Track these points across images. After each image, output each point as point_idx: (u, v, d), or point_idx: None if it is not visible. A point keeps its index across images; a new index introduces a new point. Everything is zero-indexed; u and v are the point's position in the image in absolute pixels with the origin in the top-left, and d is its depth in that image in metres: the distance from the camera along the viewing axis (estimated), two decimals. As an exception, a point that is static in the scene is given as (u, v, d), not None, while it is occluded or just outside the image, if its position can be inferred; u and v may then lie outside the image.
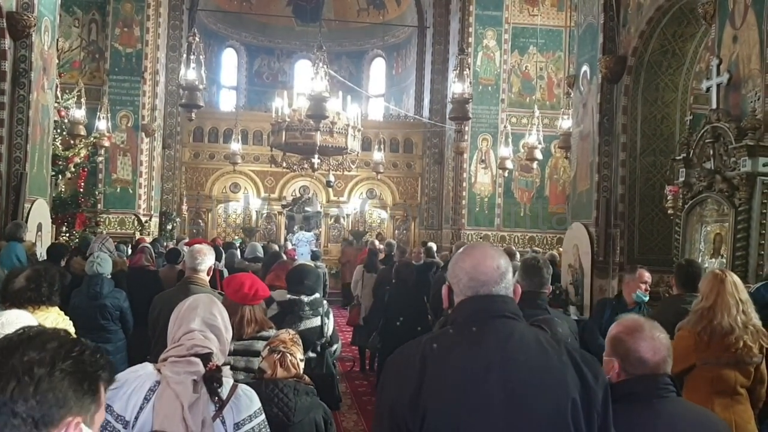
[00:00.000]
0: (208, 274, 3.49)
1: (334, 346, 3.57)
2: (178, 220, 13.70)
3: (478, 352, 1.33)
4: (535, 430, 1.28)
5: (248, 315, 2.70)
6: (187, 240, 8.59)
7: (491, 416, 1.27)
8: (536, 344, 1.36)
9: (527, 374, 1.31)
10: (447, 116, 11.29)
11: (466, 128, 11.91)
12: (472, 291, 1.40)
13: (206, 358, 1.75)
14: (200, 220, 15.17)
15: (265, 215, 15.42)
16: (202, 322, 1.83)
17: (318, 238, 17.53)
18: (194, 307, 1.87)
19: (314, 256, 9.31)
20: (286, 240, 14.96)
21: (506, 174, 11.58)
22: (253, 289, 2.71)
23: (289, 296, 3.46)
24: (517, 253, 6.78)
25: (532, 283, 2.81)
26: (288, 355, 2.36)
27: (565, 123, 8.96)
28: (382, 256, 8.14)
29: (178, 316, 1.87)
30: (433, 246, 8.85)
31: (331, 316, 3.60)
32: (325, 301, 3.61)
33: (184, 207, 14.46)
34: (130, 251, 7.18)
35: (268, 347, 2.37)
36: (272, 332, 2.67)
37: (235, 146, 11.89)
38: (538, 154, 10.37)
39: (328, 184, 12.80)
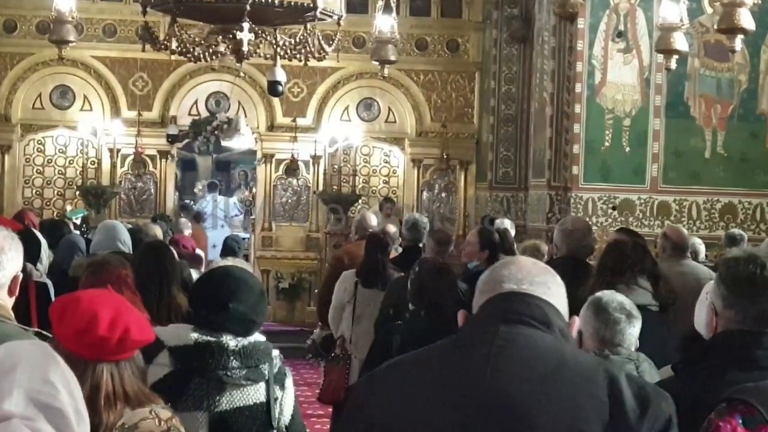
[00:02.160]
0: (11, 294, 3.51)
1: (296, 447, 3.67)
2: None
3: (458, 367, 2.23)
4: None
5: (108, 384, 2.77)
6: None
7: None
8: (548, 350, 2.20)
9: (510, 391, 2.13)
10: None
11: (584, -39, 11.83)
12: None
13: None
14: (-13, 172, 15.29)
15: (130, 159, 15.52)
16: (28, 399, 1.85)
17: (250, 210, 17.59)
18: (9, 369, 1.88)
19: (228, 248, 9.33)
20: (180, 215, 14.98)
21: (674, 65, 11.48)
22: (119, 326, 2.75)
23: (195, 337, 3.56)
24: (701, 247, 6.75)
25: (743, 313, 2.89)
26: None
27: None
28: (395, 251, 8.19)
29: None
30: (510, 227, 8.85)
31: (289, 384, 3.70)
32: (276, 353, 3.71)
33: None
34: None
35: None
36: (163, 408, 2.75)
37: (64, 3, 11.76)
38: (746, 20, 10.23)
39: (274, 89, 12.70)
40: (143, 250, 6.14)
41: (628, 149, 12.48)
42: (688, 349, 3.12)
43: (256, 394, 3.53)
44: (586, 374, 2.17)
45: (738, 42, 10.33)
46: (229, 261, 4.56)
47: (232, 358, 3.49)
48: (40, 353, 1.96)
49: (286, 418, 3.62)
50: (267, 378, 3.57)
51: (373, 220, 9.21)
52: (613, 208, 12.32)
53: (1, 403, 1.83)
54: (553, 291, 2.30)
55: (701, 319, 3.03)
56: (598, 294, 3.91)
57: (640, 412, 2.11)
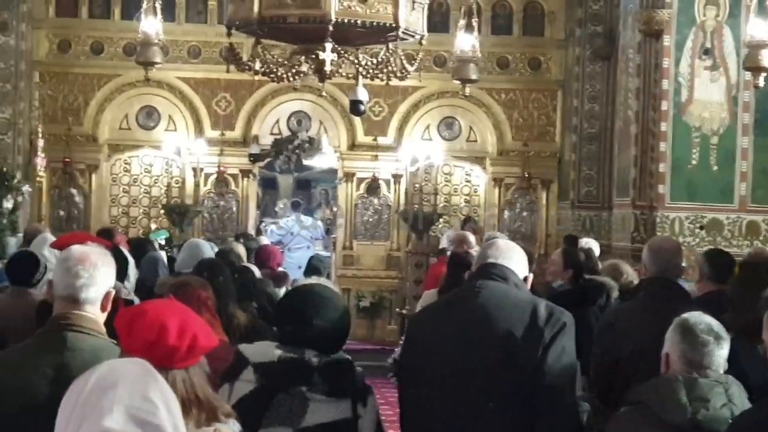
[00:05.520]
0: (103, 310, 3.58)
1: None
2: (26, 189, 13.99)
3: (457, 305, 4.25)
4: (479, 358, 3.88)
5: (182, 391, 2.79)
6: (47, 235, 8.72)
7: (447, 356, 3.96)
8: (501, 292, 3.99)
9: (481, 315, 3.95)
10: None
11: (669, -20, 11.75)
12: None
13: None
14: (74, 190, 15.56)
15: (213, 178, 15.71)
16: (128, 416, 1.88)
17: (330, 230, 17.66)
18: (110, 386, 1.92)
19: (311, 268, 9.37)
20: (259, 233, 15.12)
21: (761, 82, 11.33)
22: (187, 335, 2.78)
23: (279, 353, 3.60)
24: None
25: None
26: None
27: None
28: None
29: (76, 404, 1.94)
30: (594, 247, 8.78)
31: (371, 401, 3.73)
32: (358, 370, 3.75)
33: (40, 161, 14.75)
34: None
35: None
36: (231, 426, 2.79)
37: (151, 25, 11.95)
38: (838, 36, 10.09)
39: (355, 107, 12.76)
40: (195, 270, 6.09)
41: (715, 168, 12.38)
42: None
43: (338, 410, 3.56)
44: (521, 303, 3.96)
45: (830, 59, 10.18)
46: (313, 279, 4.59)
47: (315, 374, 3.53)
48: (141, 371, 1.99)
49: None
50: (349, 395, 3.60)
51: (472, 239, 9.15)
52: (701, 228, 12.20)
53: (101, 419, 1.88)
54: (515, 260, 4.10)
55: None
56: (685, 315, 3.85)
57: (546, 320, 3.85)
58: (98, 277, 3.51)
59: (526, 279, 4.16)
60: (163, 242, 11.39)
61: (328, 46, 9.83)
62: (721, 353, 3.67)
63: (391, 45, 10.66)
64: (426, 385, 3.99)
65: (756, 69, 10.29)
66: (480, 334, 3.91)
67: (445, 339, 4.00)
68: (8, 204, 13.23)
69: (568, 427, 3.92)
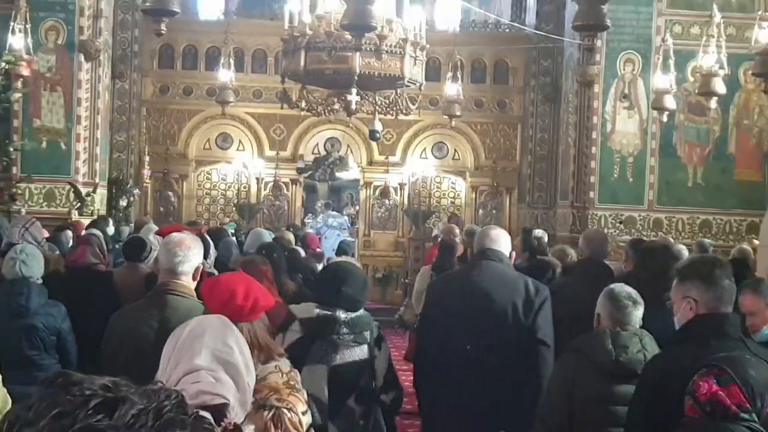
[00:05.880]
0: (194, 279, 3.59)
1: (391, 395, 3.75)
2: (136, 192, 14.04)
3: (458, 276, 4.68)
4: (486, 321, 4.09)
5: (247, 338, 2.77)
6: (151, 225, 8.76)
7: (458, 314, 4.16)
8: (500, 271, 4.22)
9: (484, 287, 4.17)
10: (568, 25, 11.05)
11: (599, 43, 11.68)
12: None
13: (219, 412, 1.83)
14: (170, 193, 15.59)
15: (271, 185, 15.71)
16: (212, 356, 1.91)
17: (354, 222, 17.71)
18: (199, 335, 1.95)
19: (341, 250, 9.39)
20: (303, 225, 15.19)
21: (665, 119, 11.31)
22: (251, 298, 2.78)
23: (317, 311, 3.60)
24: (683, 249, 6.65)
25: (711, 299, 2.88)
26: (285, 411, 2.39)
27: (764, 35, 8.66)
28: (460, 251, 8.17)
29: (175, 348, 1.95)
30: (543, 236, 8.78)
31: (384, 346, 3.75)
32: (375, 323, 3.75)
33: (146, 172, 14.82)
34: (71, 242, 7.42)
35: (254, 401, 2.43)
36: (284, 363, 2.77)
37: (225, 75, 11.94)
38: (719, 86, 10.02)
39: (373, 135, 12.80)
40: (258, 251, 6.06)
41: (631, 180, 12.54)
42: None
43: (361, 352, 3.59)
44: (515, 280, 4.18)
45: (713, 102, 10.13)
46: (342, 258, 4.61)
47: (343, 326, 3.56)
48: (221, 323, 2.03)
49: (383, 370, 3.66)
50: (369, 341, 3.62)
51: (457, 231, 9.10)
52: (620, 223, 12.37)
53: (193, 359, 1.91)
54: (504, 245, 4.25)
55: (678, 311, 2.99)
56: (611, 286, 3.82)
57: (535, 293, 4.12)
58: (191, 256, 3.55)
59: (510, 255, 4.37)
60: (233, 231, 11.37)
61: (354, 90, 9.85)
62: (637, 314, 3.66)
63: (398, 90, 10.68)
64: (443, 335, 4.17)
65: (660, 109, 10.36)
66: (487, 302, 4.09)
67: (458, 302, 4.18)
68: (123, 202, 13.38)
69: (550, 363, 4.10)
